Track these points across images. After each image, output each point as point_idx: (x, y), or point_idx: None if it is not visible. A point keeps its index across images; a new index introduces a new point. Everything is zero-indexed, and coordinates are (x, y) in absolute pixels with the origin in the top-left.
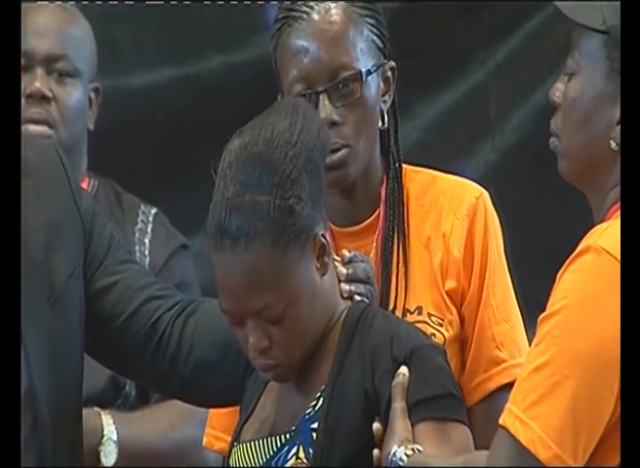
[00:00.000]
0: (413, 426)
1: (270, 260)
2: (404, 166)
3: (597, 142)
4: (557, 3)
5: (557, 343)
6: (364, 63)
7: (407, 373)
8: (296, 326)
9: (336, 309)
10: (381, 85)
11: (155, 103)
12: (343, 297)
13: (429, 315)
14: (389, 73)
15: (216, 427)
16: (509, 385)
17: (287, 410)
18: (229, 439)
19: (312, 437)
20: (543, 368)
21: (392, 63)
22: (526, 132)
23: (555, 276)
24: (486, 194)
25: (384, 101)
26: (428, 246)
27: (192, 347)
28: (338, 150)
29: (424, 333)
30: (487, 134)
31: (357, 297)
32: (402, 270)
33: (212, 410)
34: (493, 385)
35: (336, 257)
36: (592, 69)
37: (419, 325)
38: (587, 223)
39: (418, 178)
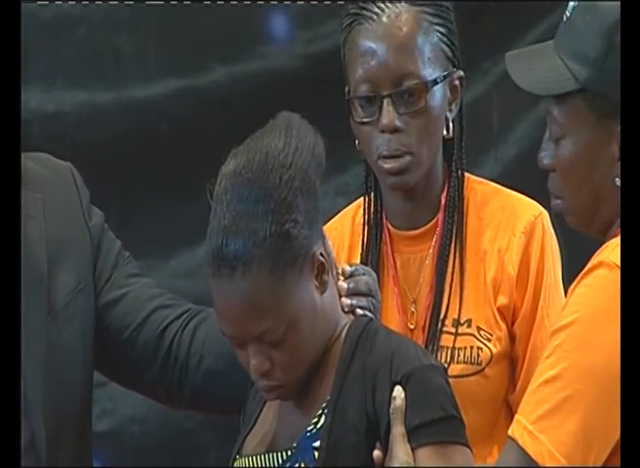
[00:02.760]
0: (413, 451)
1: (269, 287)
2: (467, 175)
3: (602, 189)
4: (524, 85)
5: (568, 357)
6: (430, 72)
7: (403, 397)
8: (297, 347)
9: (337, 324)
10: (448, 94)
11: (158, 115)
12: (345, 312)
13: (478, 329)
14: (457, 82)
15: None
16: None
17: (288, 426)
18: None
19: (314, 455)
20: (554, 381)
21: (461, 73)
22: (529, 143)
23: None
24: (546, 214)
25: (450, 110)
26: (484, 259)
27: (202, 356)
28: (400, 156)
29: (424, 351)
30: (490, 145)
31: (359, 311)
32: (457, 280)
33: None
34: None
35: (342, 268)
36: (579, 127)
37: (467, 338)
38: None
39: (479, 190)
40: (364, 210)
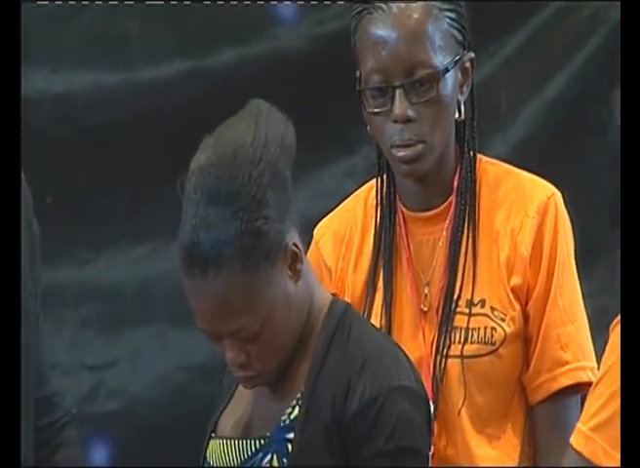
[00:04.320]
0: None
1: (241, 285)
2: (479, 156)
3: None
4: None
5: (614, 353)
6: (442, 60)
7: None
8: (272, 339)
9: (315, 309)
10: (459, 76)
11: (166, 96)
12: None
13: (492, 309)
14: (468, 64)
15: None
16: (572, 387)
17: (262, 411)
18: None
19: (287, 447)
20: (602, 378)
21: (471, 55)
22: (537, 124)
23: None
24: (558, 195)
25: (462, 92)
26: (497, 240)
27: None
28: (412, 145)
29: (395, 360)
30: (498, 127)
31: None
32: (470, 261)
33: None
34: (556, 386)
35: None
36: None
37: (481, 318)
38: (596, 217)
39: (492, 171)
40: (376, 191)
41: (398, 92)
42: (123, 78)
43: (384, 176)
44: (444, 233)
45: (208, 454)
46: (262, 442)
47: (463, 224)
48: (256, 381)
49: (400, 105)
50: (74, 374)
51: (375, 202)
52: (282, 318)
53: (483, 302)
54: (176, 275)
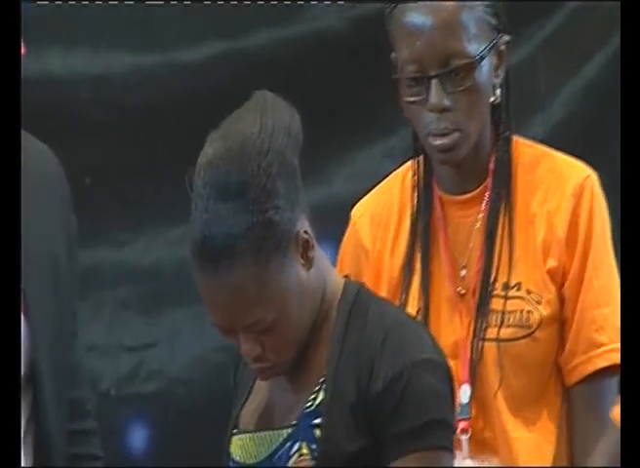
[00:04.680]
0: (399, 457)
1: (254, 278)
2: (515, 138)
3: None
4: None
5: None
6: (477, 48)
7: None
8: (287, 330)
9: (329, 294)
10: (494, 60)
11: (203, 78)
12: None
13: (528, 292)
14: (503, 47)
15: None
16: (608, 369)
17: (284, 401)
18: None
19: (314, 433)
20: None
21: (506, 37)
22: (575, 105)
23: None
24: (594, 176)
25: (497, 75)
26: (533, 222)
27: None
28: (448, 134)
29: (417, 333)
30: (536, 108)
31: None
32: (506, 244)
33: None
34: (591, 368)
35: None
36: None
37: (517, 301)
38: None
39: (528, 153)
40: (413, 173)
41: (434, 81)
42: (160, 59)
43: (421, 159)
44: (480, 216)
45: (232, 451)
46: (289, 431)
47: (500, 207)
48: (272, 372)
49: (436, 95)
50: (113, 356)
51: (411, 184)
52: (296, 307)
53: (519, 285)
54: None
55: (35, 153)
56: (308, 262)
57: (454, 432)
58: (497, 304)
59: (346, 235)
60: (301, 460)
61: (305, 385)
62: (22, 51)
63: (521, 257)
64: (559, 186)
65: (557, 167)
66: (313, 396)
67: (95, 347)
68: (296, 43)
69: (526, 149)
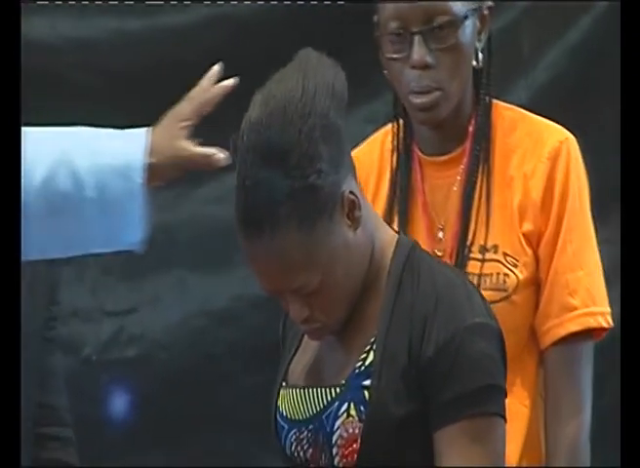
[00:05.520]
0: (451, 423)
1: (299, 243)
2: (495, 101)
3: None
4: None
5: None
6: (461, 8)
7: None
8: (334, 291)
9: (378, 253)
10: (478, 24)
11: (190, 43)
12: None
13: (505, 255)
14: (486, 12)
15: None
16: (580, 333)
17: (333, 359)
18: None
19: (363, 394)
20: None
21: (490, 2)
22: (559, 69)
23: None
24: (572, 139)
25: (479, 40)
26: (510, 185)
27: None
28: (430, 92)
29: (469, 295)
30: (520, 71)
31: None
32: (483, 206)
33: None
34: (563, 331)
35: None
36: None
37: (493, 264)
38: (617, 162)
39: (507, 116)
40: (393, 135)
41: (417, 38)
42: (146, 24)
43: (401, 121)
44: (459, 178)
45: (279, 403)
46: (338, 390)
47: (478, 169)
48: (322, 333)
49: (419, 51)
50: (95, 321)
51: (391, 146)
52: (343, 269)
53: (496, 248)
54: (197, 221)
55: None
56: (355, 222)
57: (505, 397)
58: (473, 267)
59: None
60: (349, 421)
61: (356, 344)
62: None
63: (498, 220)
64: (536, 150)
65: (535, 130)
66: (364, 356)
67: (77, 312)
68: (281, 8)
69: (505, 112)
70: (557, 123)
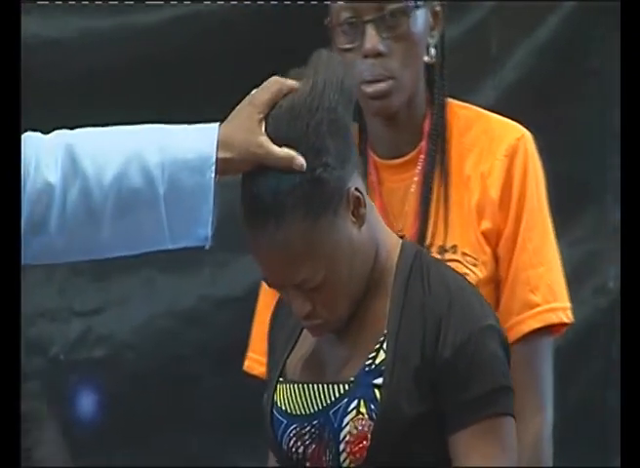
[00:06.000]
0: (467, 426)
1: (303, 235)
2: (450, 100)
3: None
4: None
5: None
6: None
7: None
8: (337, 287)
9: (384, 252)
10: (430, 19)
11: (157, 42)
12: None
13: (464, 254)
14: (438, 8)
15: (257, 351)
16: (543, 329)
17: (337, 356)
18: None
19: (374, 392)
20: None
21: None
22: (527, 69)
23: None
24: (528, 135)
25: (432, 36)
26: (468, 185)
27: None
28: (382, 81)
29: (479, 299)
30: (488, 71)
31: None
32: (441, 207)
33: (254, 335)
34: (526, 328)
35: None
36: None
37: (453, 264)
38: (588, 158)
39: (462, 114)
40: None
41: (369, 26)
42: (114, 23)
43: (355, 126)
44: (415, 179)
45: (277, 399)
46: (347, 387)
47: (434, 170)
48: (324, 329)
49: (371, 39)
50: (63, 321)
51: None
52: (347, 265)
53: (455, 248)
54: None
55: None
56: (360, 220)
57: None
58: None
59: None
60: (359, 418)
61: (361, 343)
62: None
63: (456, 220)
64: (492, 148)
65: (491, 128)
66: (373, 354)
67: (45, 313)
68: (249, 6)
69: (460, 111)
70: (525, 122)
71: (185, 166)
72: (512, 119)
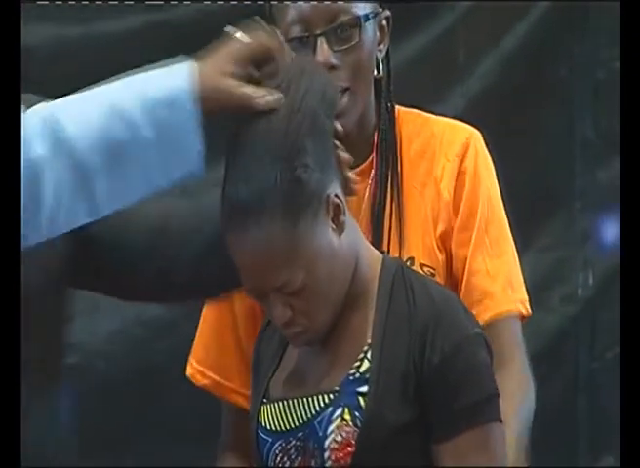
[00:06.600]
0: (458, 435)
1: (282, 236)
2: (397, 107)
3: None
4: None
5: None
6: (362, 9)
7: None
8: (317, 293)
9: (365, 263)
10: (377, 33)
11: (127, 50)
12: None
13: (422, 266)
14: (385, 22)
15: (201, 362)
16: (502, 317)
17: (319, 368)
18: (214, 377)
19: (358, 400)
20: None
21: (388, 12)
22: (494, 77)
23: (522, 217)
24: (477, 134)
25: (380, 50)
26: (423, 193)
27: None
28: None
29: (465, 309)
30: (456, 79)
31: None
32: (395, 219)
33: (196, 342)
34: (487, 316)
35: None
36: None
37: None
38: (556, 166)
39: (409, 120)
40: None
41: (320, 40)
42: (85, 31)
43: None
44: (367, 192)
45: (262, 419)
46: (331, 396)
47: (387, 181)
48: (304, 338)
49: (322, 53)
50: None
51: None
52: (327, 270)
53: (412, 261)
54: None
55: None
56: (339, 227)
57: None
58: None
59: None
60: (343, 425)
61: (343, 354)
62: None
63: (413, 231)
64: (442, 151)
65: (440, 131)
66: (357, 363)
67: None
68: (220, 14)
69: (407, 117)
70: (493, 131)
71: (164, 104)
72: (480, 128)
